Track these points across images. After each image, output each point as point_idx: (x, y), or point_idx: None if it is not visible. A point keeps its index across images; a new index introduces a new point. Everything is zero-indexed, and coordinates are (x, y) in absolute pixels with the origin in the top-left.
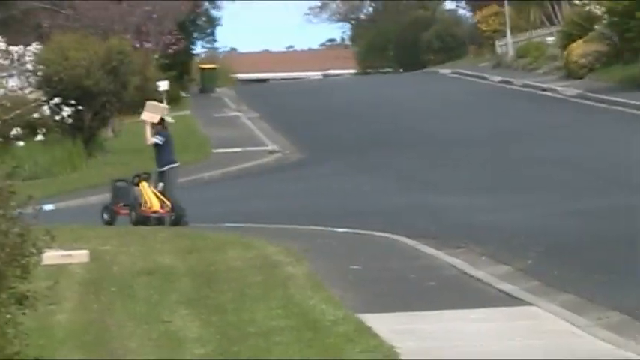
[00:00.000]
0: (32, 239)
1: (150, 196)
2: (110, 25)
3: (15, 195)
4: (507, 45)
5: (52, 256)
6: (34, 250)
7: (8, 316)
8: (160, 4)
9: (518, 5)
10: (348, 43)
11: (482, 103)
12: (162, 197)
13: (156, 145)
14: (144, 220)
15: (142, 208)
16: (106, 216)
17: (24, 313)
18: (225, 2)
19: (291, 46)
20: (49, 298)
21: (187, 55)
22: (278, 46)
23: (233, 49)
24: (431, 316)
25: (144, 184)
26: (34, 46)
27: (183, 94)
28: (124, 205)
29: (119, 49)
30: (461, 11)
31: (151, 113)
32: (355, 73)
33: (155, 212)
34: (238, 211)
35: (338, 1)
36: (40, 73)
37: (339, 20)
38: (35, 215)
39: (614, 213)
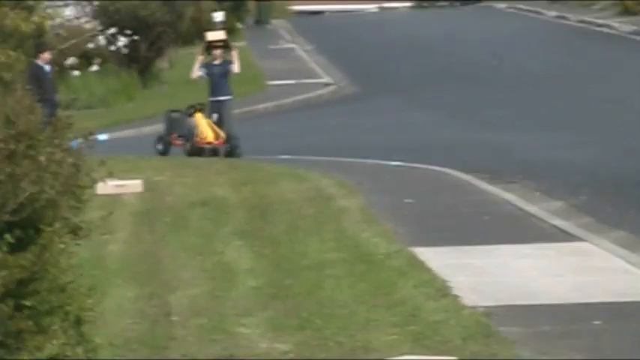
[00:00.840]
0: (86, 169)
1: (204, 127)
2: None
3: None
4: None
5: (105, 186)
6: (88, 180)
7: (62, 246)
8: None
9: None
10: None
11: (537, 39)
12: (216, 128)
13: (207, 75)
14: (198, 151)
15: (196, 139)
16: (159, 146)
17: (78, 244)
18: None
19: None
20: (103, 228)
21: None
22: None
23: None
24: (484, 250)
25: (198, 115)
26: None
27: (239, 26)
28: (179, 136)
29: None
30: None
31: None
32: (411, 7)
33: (209, 143)
34: (292, 143)
35: None
36: (96, 3)
37: None
38: (90, 145)
39: None
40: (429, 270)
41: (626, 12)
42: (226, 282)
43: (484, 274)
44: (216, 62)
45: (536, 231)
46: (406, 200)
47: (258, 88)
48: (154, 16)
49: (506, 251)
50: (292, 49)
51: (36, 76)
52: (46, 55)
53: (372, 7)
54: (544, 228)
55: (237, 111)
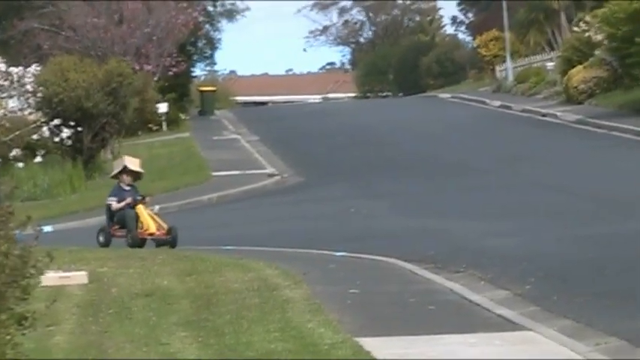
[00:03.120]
0: (32, 261)
1: (146, 218)
2: (110, 46)
3: (14, 216)
4: (507, 70)
5: (50, 278)
6: (33, 272)
7: (8, 337)
8: (161, 26)
9: (518, 30)
10: (347, 66)
11: (483, 128)
12: (158, 219)
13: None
14: (140, 242)
15: (139, 231)
16: (101, 238)
17: (23, 334)
18: (225, 24)
19: (290, 70)
20: (48, 319)
21: (187, 77)
22: (277, 70)
23: (232, 72)
24: (430, 340)
25: (140, 207)
26: (34, 68)
27: (183, 117)
28: (120, 227)
29: (119, 71)
30: (461, 35)
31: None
32: (355, 97)
33: (152, 234)
34: (237, 233)
35: (338, 25)
36: (39, 95)
37: (339, 44)
38: (36, 236)
39: (615, 239)
40: None
41: (569, 101)
42: None
43: None
44: (126, 188)
45: (482, 320)
46: (351, 290)
47: (202, 178)
48: (97, 107)
49: (452, 340)
50: (236, 140)
51: None
52: None
53: (315, 97)
54: (490, 317)
55: (181, 202)
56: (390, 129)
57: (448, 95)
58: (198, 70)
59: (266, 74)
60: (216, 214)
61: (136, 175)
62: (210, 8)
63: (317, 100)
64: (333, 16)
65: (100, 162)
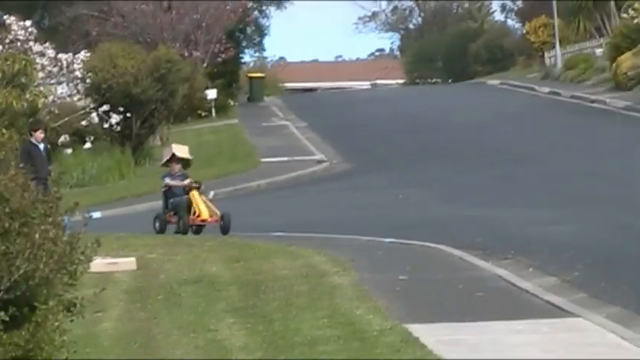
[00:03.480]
0: (81, 247)
1: (200, 204)
2: (159, 33)
3: (62, 202)
4: (556, 56)
5: (99, 264)
6: (82, 258)
7: (56, 323)
8: (209, 12)
9: (567, 17)
10: (396, 53)
11: (531, 115)
12: (211, 206)
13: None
14: (196, 229)
15: (191, 217)
16: (157, 225)
17: (71, 320)
18: (274, 11)
19: (339, 56)
20: (96, 305)
21: (236, 63)
22: (327, 56)
23: (281, 59)
24: (478, 327)
25: (194, 193)
26: (83, 54)
27: (232, 103)
28: (175, 214)
29: (167, 58)
30: (509, 22)
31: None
32: (403, 84)
33: (204, 221)
34: (285, 220)
35: (387, 11)
36: (88, 81)
37: (388, 30)
38: (84, 223)
39: None
40: (423, 346)
41: (618, 88)
42: (220, 359)
43: (478, 351)
44: (178, 173)
45: (530, 307)
46: (400, 277)
47: (250, 165)
48: (146, 94)
49: (499, 327)
50: (285, 126)
51: (29, 154)
52: (39, 134)
53: (364, 84)
54: (537, 304)
55: (229, 188)
56: (438, 116)
57: (497, 82)
58: (247, 57)
59: (315, 61)
60: (264, 200)
61: (185, 163)
62: None
63: (366, 87)
64: (382, 3)
65: (149, 148)
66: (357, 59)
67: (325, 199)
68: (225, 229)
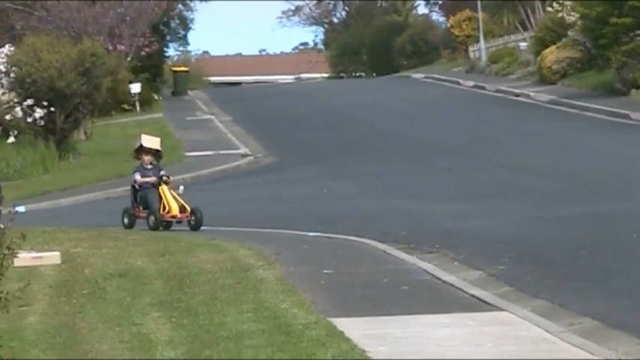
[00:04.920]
0: (6, 241)
1: (170, 199)
2: (83, 26)
3: None
4: (480, 50)
5: (23, 258)
6: (7, 252)
7: None
8: (134, 6)
9: (491, 10)
10: (320, 47)
11: (456, 108)
12: (182, 201)
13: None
14: (162, 224)
15: (161, 213)
16: (126, 220)
17: None
18: (198, 4)
19: (263, 50)
20: (21, 300)
21: (160, 57)
22: (251, 50)
23: (206, 52)
24: (403, 320)
25: (163, 187)
26: (7, 48)
27: (156, 97)
28: (144, 208)
29: (92, 51)
30: (434, 16)
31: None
32: (328, 77)
33: (174, 217)
34: (210, 214)
35: (311, 5)
36: (12, 75)
37: (312, 24)
38: (10, 218)
39: (587, 220)
40: (348, 340)
41: (542, 81)
42: (145, 353)
43: (403, 344)
44: (148, 167)
45: (455, 300)
46: (324, 270)
47: (175, 158)
48: (70, 87)
49: (425, 321)
50: (209, 120)
51: None
52: None
53: (288, 77)
54: (463, 297)
55: None
56: (363, 110)
57: (421, 75)
58: (172, 51)
59: (239, 54)
60: (189, 194)
61: (156, 154)
62: None
63: (290, 81)
64: None
65: (73, 142)
66: (282, 53)
67: (250, 192)
68: (196, 226)
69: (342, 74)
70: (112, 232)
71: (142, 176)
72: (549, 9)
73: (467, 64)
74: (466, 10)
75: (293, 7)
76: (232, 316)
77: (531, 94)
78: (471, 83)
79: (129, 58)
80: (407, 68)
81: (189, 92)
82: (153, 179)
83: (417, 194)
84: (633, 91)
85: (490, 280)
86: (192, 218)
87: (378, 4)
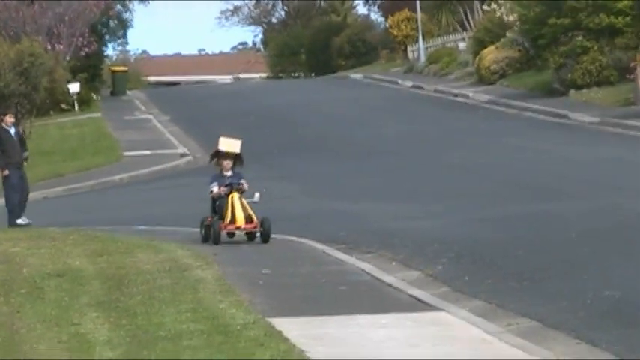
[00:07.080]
0: None
1: (235, 209)
2: (22, 26)
3: None
4: (419, 50)
5: None
6: None
7: None
8: (72, 5)
9: (430, 11)
10: (259, 46)
11: (395, 108)
12: (250, 211)
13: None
14: (229, 235)
15: (225, 223)
16: (203, 231)
17: None
18: (137, 5)
19: (202, 50)
20: None
21: (99, 57)
22: (189, 50)
23: (144, 52)
24: (341, 320)
25: (233, 196)
26: None
27: (95, 97)
28: (220, 219)
29: (31, 51)
30: (373, 16)
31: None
32: (266, 77)
33: (238, 228)
34: (148, 214)
35: (250, 5)
36: None
37: (251, 24)
38: None
39: (524, 221)
40: (286, 340)
41: (481, 81)
42: (83, 353)
43: (342, 345)
44: (227, 174)
45: (394, 301)
46: (263, 270)
47: (113, 158)
48: (8, 88)
49: (363, 321)
50: (148, 120)
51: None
52: (9, 118)
53: (227, 77)
54: (401, 298)
55: (92, 182)
56: (302, 110)
57: (360, 76)
58: (110, 50)
59: (178, 54)
60: (127, 194)
61: (235, 158)
62: None
63: (228, 80)
64: None
65: None
66: (220, 53)
67: (188, 192)
68: (265, 237)
69: (280, 74)
70: (50, 232)
71: (220, 186)
72: (487, 8)
73: (405, 64)
74: (405, 11)
75: (232, 7)
76: (170, 317)
77: (470, 94)
78: (410, 83)
79: (67, 58)
80: (345, 68)
81: (128, 92)
82: (224, 189)
83: (355, 195)
84: (572, 91)
85: (429, 281)
86: (261, 229)
87: (317, 5)
